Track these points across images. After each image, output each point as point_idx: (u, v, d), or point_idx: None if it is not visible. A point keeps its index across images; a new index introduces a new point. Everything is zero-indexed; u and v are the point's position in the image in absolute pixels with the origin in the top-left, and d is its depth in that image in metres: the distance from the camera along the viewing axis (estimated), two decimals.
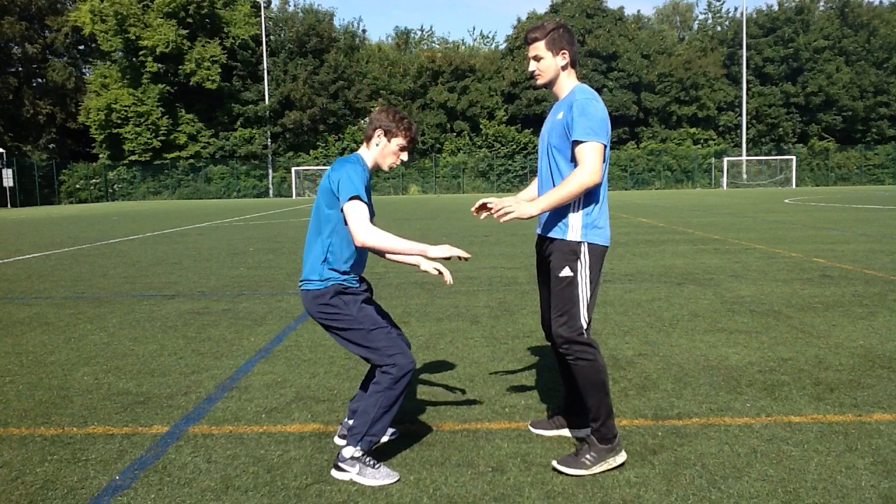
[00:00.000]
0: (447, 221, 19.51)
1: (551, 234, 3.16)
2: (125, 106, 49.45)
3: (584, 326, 3.07)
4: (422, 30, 73.33)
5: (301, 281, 3.20)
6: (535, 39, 3.14)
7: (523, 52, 54.33)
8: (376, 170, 3.26)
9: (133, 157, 51.45)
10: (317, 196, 3.19)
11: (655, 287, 7.74)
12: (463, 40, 63.18)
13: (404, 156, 3.26)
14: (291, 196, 51.48)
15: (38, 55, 55.40)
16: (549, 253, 3.18)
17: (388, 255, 3.24)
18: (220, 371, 4.74)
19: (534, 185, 3.41)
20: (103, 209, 36.63)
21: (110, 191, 53.53)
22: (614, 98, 52.50)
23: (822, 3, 58.21)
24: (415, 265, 3.19)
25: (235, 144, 52.45)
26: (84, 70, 59.18)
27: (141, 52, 49.17)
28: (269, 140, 53.26)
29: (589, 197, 3.07)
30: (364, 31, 74.75)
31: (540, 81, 3.19)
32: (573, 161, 3.06)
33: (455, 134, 53.90)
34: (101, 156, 53.11)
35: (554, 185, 3.13)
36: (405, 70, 53.94)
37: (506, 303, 7.02)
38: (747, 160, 54.03)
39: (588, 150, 2.98)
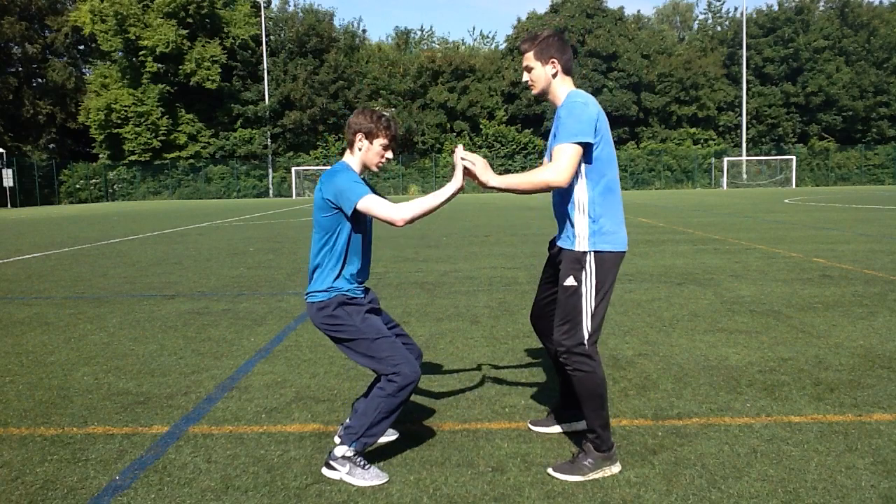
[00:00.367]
0: (447, 221, 19.51)
1: (560, 244, 3.16)
2: (125, 106, 49.46)
3: (587, 337, 3.03)
4: (422, 30, 73.34)
5: (306, 294, 3.21)
6: (526, 50, 3.15)
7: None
8: (365, 171, 3.24)
9: (133, 157, 51.45)
10: (313, 210, 3.19)
11: (655, 287, 7.74)
12: (463, 40, 63.20)
13: (389, 154, 3.24)
14: (291, 196, 51.47)
15: (38, 55, 55.40)
16: (559, 261, 3.19)
17: None
18: (220, 371, 4.74)
19: None
20: (103, 209, 36.63)
21: (110, 191, 53.53)
22: (614, 98, 52.50)
23: (822, 3, 58.22)
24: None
25: (235, 144, 52.47)
26: (84, 70, 59.19)
27: (141, 52, 49.16)
28: (269, 140, 53.26)
29: (593, 203, 3.03)
30: (364, 31, 74.71)
31: (534, 91, 3.20)
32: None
33: (455, 134, 53.89)
34: (101, 156, 53.11)
35: (559, 194, 3.13)
36: (405, 70, 53.93)
37: (506, 303, 7.02)
38: (747, 160, 54.03)
39: (563, 150, 2.93)
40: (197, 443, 3.47)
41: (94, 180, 53.21)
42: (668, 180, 54.65)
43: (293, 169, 51.68)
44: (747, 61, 54.37)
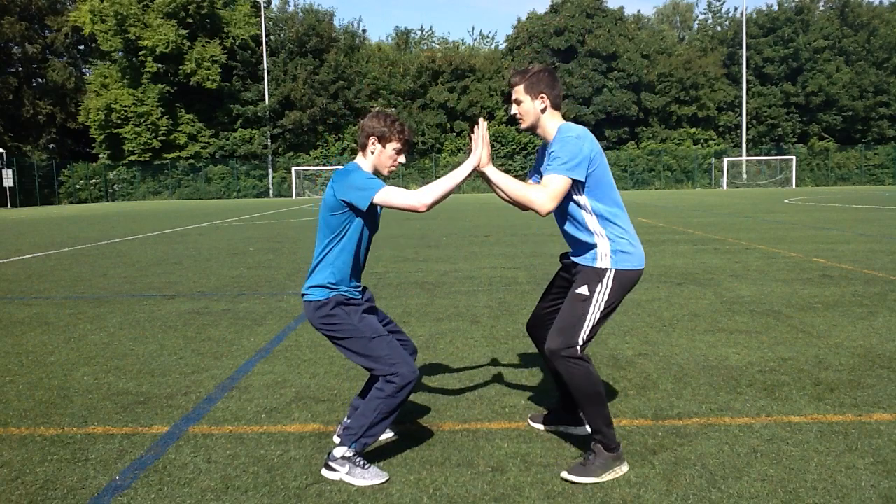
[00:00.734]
0: (448, 221, 19.51)
1: (581, 262, 3.18)
2: (125, 106, 49.48)
3: (580, 344, 3.05)
4: (422, 30, 73.31)
5: (303, 292, 3.20)
6: (515, 84, 3.19)
7: (523, 53, 54.64)
8: (376, 175, 3.23)
9: (133, 157, 51.46)
10: (320, 209, 3.18)
11: (655, 287, 7.74)
12: (463, 40, 63.14)
13: (402, 158, 3.24)
14: (291, 196, 51.48)
15: (38, 55, 55.42)
16: (575, 273, 3.21)
17: None
18: (220, 371, 4.74)
19: None
20: (103, 209, 36.64)
21: (110, 191, 53.54)
22: (614, 98, 52.50)
23: (822, 3, 58.21)
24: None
25: (235, 144, 52.47)
26: (84, 70, 59.21)
27: (141, 52, 49.18)
28: (269, 140, 53.26)
29: (609, 224, 3.10)
30: (364, 31, 74.72)
31: (523, 125, 3.23)
32: (570, 198, 3.09)
33: (455, 134, 53.89)
34: (101, 156, 53.12)
35: (564, 223, 3.18)
36: (405, 70, 53.93)
37: (506, 303, 7.02)
38: (747, 160, 54.03)
39: (555, 180, 2.99)
40: (197, 443, 3.47)
41: (94, 180, 53.21)
42: (668, 180, 54.65)
43: (293, 169, 51.69)
44: (747, 61, 54.37)
